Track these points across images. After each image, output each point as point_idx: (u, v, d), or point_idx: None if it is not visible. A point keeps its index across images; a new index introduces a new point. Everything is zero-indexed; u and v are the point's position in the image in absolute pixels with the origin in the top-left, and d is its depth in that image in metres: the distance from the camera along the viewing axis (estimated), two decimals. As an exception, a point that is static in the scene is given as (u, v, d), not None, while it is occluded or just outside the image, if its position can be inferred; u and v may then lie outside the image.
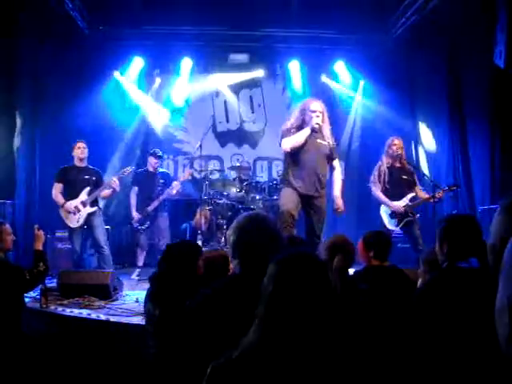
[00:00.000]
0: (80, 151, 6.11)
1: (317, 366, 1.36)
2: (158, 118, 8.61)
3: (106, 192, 6.24)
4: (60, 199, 5.98)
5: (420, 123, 7.91)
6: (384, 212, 5.94)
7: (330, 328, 1.40)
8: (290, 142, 5.02)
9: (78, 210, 5.97)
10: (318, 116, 5.00)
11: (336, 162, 5.32)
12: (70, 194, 6.02)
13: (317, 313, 1.39)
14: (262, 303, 1.44)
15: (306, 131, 5.00)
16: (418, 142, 7.93)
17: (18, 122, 6.53)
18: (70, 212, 5.95)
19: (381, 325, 2.48)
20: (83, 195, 6.02)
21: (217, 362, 1.42)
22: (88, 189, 6.06)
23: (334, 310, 1.43)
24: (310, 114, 5.02)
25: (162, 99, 8.65)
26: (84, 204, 6.00)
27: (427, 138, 7.70)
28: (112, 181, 6.14)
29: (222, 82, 8.78)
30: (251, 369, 1.36)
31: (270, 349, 1.37)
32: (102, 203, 6.61)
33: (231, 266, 3.20)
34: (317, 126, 4.98)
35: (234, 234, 2.03)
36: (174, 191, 6.87)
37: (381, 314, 2.61)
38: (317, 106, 5.09)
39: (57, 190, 6.03)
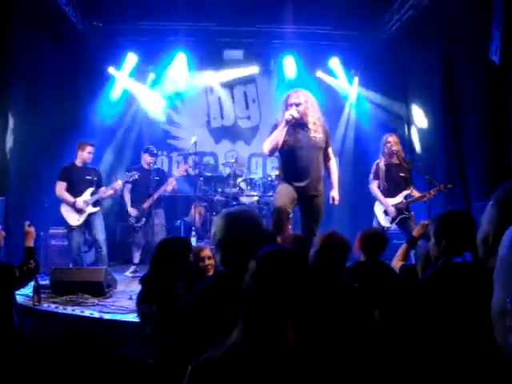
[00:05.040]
0: (89, 156, 6.18)
1: (303, 365, 1.33)
2: (156, 106, 8.57)
3: (107, 193, 6.27)
4: (69, 197, 6.03)
5: (415, 120, 7.89)
6: (378, 209, 5.93)
7: (314, 325, 1.37)
8: (268, 143, 4.74)
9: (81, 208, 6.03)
10: (295, 108, 4.68)
11: (330, 151, 5.04)
12: (72, 193, 6.06)
13: (301, 309, 1.37)
14: (245, 302, 1.41)
15: (280, 128, 4.70)
16: (412, 138, 7.92)
17: (11, 118, 6.47)
18: (77, 209, 5.98)
19: (366, 321, 2.46)
20: (86, 195, 6.08)
21: (197, 363, 1.39)
22: (92, 189, 6.12)
23: (318, 305, 1.41)
24: (288, 108, 4.75)
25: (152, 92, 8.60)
26: (86, 203, 6.03)
27: (422, 135, 7.69)
28: (117, 183, 6.22)
29: (216, 78, 8.75)
30: (234, 369, 1.33)
31: (254, 349, 1.34)
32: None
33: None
34: (289, 117, 4.63)
35: (215, 230, 2.02)
36: (170, 187, 6.85)
37: (367, 310, 2.60)
38: (295, 97, 4.78)
39: (62, 188, 6.06)
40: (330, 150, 5.02)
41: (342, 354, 1.42)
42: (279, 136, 4.68)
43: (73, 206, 6.00)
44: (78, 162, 6.18)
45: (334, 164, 5.09)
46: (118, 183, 6.26)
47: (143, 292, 3.00)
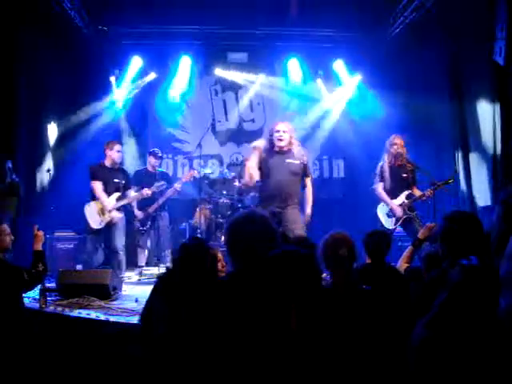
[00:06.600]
0: (118, 155, 6.04)
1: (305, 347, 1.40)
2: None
3: (133, 199, 6.24)
4: (106, 200, 5.87)
5: (419, 122, 7.87)
6: (381, 212, 5.93)
7: (315, 312, 1.46)
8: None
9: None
10: (280, 136, 5.31)
11: (308, 181, 5.55)
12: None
13: (303, 300, 1.47)
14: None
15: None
16: (417, 141, 7.89)
17: (17, 122, 6.51)
18: (104, 212, 5.87)
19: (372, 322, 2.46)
20: (112, 199, 5.96)
21: None
22: (118, 194, 5.99)
23: (319, 297, 1.51)
24: (274, 135, 5.35)
25: (158, 95, 8.63)
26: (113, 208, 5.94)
27: (426, 138, 7.67)
28: (145, 192, 6.15)
29: (220, 80, 8.77)
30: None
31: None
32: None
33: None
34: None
35: (227, 233, 2.06)
36: (175, 191, 6.86)
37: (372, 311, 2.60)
38: (281, 126, 5.40)
39: (100, 189, 5.90)
40: (307, 179, 5.57)
41: (343, 351, 1.49)
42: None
43: (103, 208, 5.86)
44: (107, 163, 6.03)
45: (310, 192, 5.57)
46: (147, 192, 6.16)
47: (158, 291, 3.00)
